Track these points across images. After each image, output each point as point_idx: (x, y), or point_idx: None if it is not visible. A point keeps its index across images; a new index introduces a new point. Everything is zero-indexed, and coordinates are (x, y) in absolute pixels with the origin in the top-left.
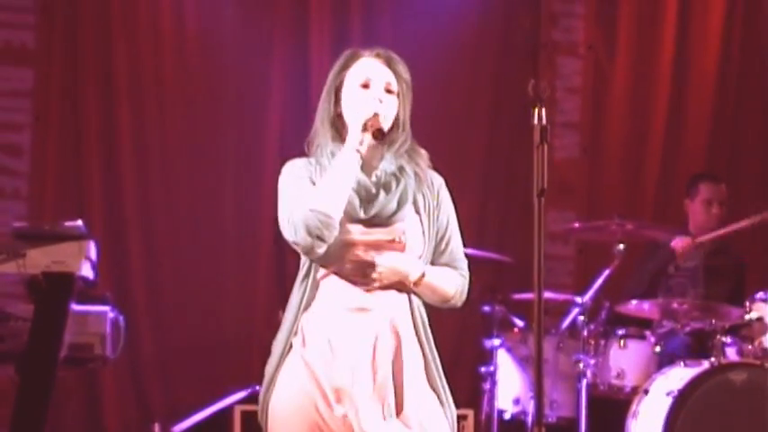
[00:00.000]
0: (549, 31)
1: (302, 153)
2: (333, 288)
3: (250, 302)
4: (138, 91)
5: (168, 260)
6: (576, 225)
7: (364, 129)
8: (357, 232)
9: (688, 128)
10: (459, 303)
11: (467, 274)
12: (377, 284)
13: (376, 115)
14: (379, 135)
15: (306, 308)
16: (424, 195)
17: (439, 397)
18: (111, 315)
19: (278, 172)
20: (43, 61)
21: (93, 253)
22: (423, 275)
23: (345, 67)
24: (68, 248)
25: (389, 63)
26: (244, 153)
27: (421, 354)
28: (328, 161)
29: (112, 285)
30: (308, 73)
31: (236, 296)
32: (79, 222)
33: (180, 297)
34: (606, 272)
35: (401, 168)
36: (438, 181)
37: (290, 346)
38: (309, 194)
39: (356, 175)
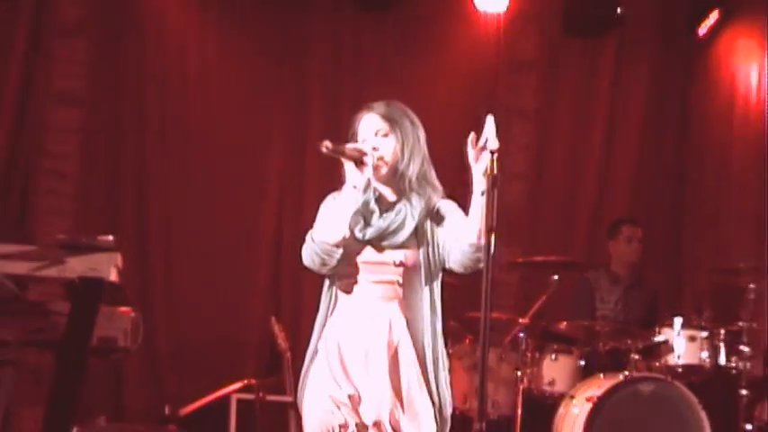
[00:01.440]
0: (508, 98)
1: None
2: (345, 299)
3: (248, 310)
4: (165, 131)
5: (182, 272)
6: (520, 260)
7: (360, 164)
8: (360, 253)
9: (614, 182)
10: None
11: None
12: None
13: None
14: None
15: (330, 315)
16: (425, 224)
17: (430, 395)
18: (132, 314)
19: (277, 200)
20: (89, 105)
21: (120, 262)
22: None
23: (354, 129)
24: (101, 258)
25: (379, 111)
26: (249, 185)
27: (415, 354)
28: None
29: (135, 290)
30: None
31: (236, 304)
32: (110, 237)
33: (191, 303)
34: (543, 297)
35: (410, 200)
36: (444, 206)
37: (317, 351)
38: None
39: (356, 206)
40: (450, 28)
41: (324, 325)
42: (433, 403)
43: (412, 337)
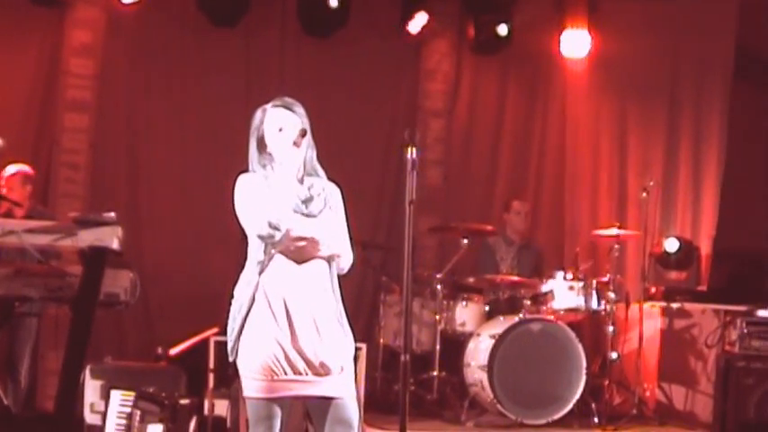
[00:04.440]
0: (425, 100)
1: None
2: (280, 259)
3: (221, 268)
4: (150, 129)
5: (168, 239)
6: (437, 226)
7: (294, 144)
8: (296, 224)
9: (507, 165)
10: (347, 269)
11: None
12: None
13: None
14: (303, 134)
15: (261, 273)
16: (330, 198)
17: (343, 327)
18: (131, 275)
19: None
20: (95, 110)
21: (120, 234)
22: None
23: (261, 122)
24: (105, 231)
25: (290, 108)
26: (219, 167)
27: (334, 300)
28: (269, 174)
29: (132, 255)
30: None
31: (212, 264)
32: (112, 214)
33: (176, 264)
34: (455, 257)
35: (319, 180)
36: (336, 189)
37: (254, 300)
38: (267, 202)
39: (293, 188)
40: (380, 47)
41: (257, 279)
42: (345, 332)
43: (332, 284)
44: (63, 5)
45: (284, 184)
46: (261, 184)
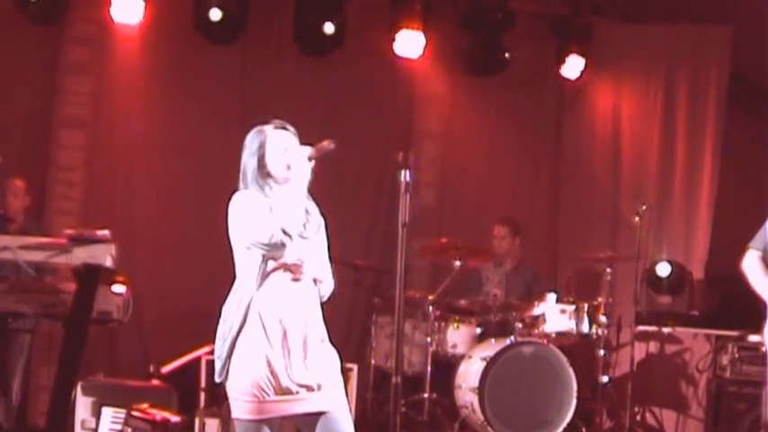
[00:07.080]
0: (420, 122)
1: None
2: (275, 278)
3: (214, 287)
4: (147, 149)
5: (162, 258)
6: (428, 245)
7: (316, 154)
8: (295, 243)
9: (501, 188)
10: (326, 297)
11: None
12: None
13: (320, 148)
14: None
15: (257, 289)
16: (321, 223)
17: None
18: (124, 292)
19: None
20: (91, 128)
21: (114, 252)
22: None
23: (263, 143)
24: (99, 248)
25: (289, 130)
26: (212, 185)
27: (322, 319)
28: (268, 193)
29: (126, 273)
30: None
31: (204, 283)
32: (106, 232)
33: (169, 283)
34: (447, 279)
35: (311, 203)
36: (322, 220)
37: (246, 320)
38: (276, 216)
39: (298, 206)
40: (375, 69)
41: (251, 298)
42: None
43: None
44: (60, 23)
45: (291, 201)
46: (263, 200)
